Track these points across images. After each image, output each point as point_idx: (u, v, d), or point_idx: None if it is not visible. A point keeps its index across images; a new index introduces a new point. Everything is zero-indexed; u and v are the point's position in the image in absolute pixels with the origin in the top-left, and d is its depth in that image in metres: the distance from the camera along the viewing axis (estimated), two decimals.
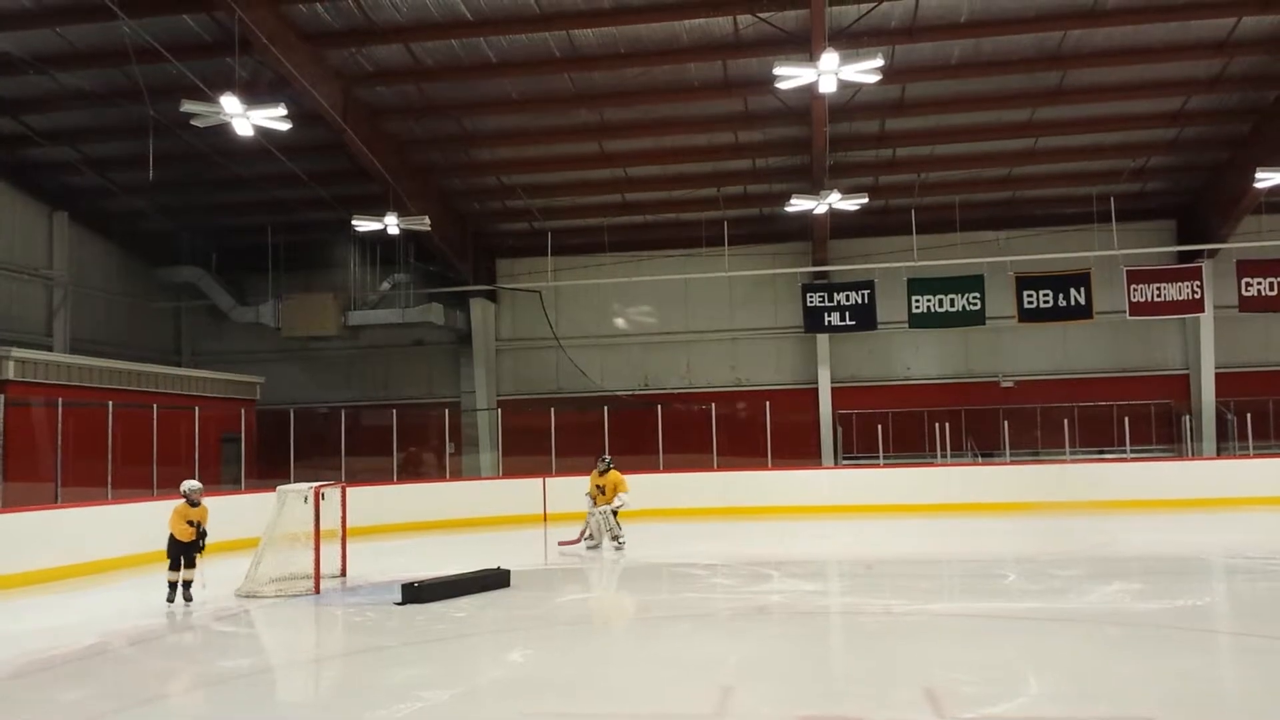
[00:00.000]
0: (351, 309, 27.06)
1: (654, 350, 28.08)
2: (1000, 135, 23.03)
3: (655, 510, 21.63)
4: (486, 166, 24.72)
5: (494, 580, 12.82)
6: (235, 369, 26.92)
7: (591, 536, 16.53)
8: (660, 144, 23.46)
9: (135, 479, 17.94)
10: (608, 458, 17.21)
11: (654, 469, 22.97)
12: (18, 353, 19.71)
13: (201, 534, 12.31)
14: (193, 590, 12.26)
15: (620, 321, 27.99)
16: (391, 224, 21.85)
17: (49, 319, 25.18)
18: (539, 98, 21.51)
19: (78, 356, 22.55)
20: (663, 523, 20.96)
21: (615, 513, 16.58)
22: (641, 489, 22.25)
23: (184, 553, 12.24)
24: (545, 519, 21.83)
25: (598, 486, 16.75)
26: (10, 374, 19.17)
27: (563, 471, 22.74)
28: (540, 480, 22.28)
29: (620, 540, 16.50)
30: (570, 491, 21.97)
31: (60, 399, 17.39)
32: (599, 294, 27.68)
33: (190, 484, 12.63)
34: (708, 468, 22.99)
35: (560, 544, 16.89)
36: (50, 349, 23.99)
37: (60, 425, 16.72)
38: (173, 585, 12.18)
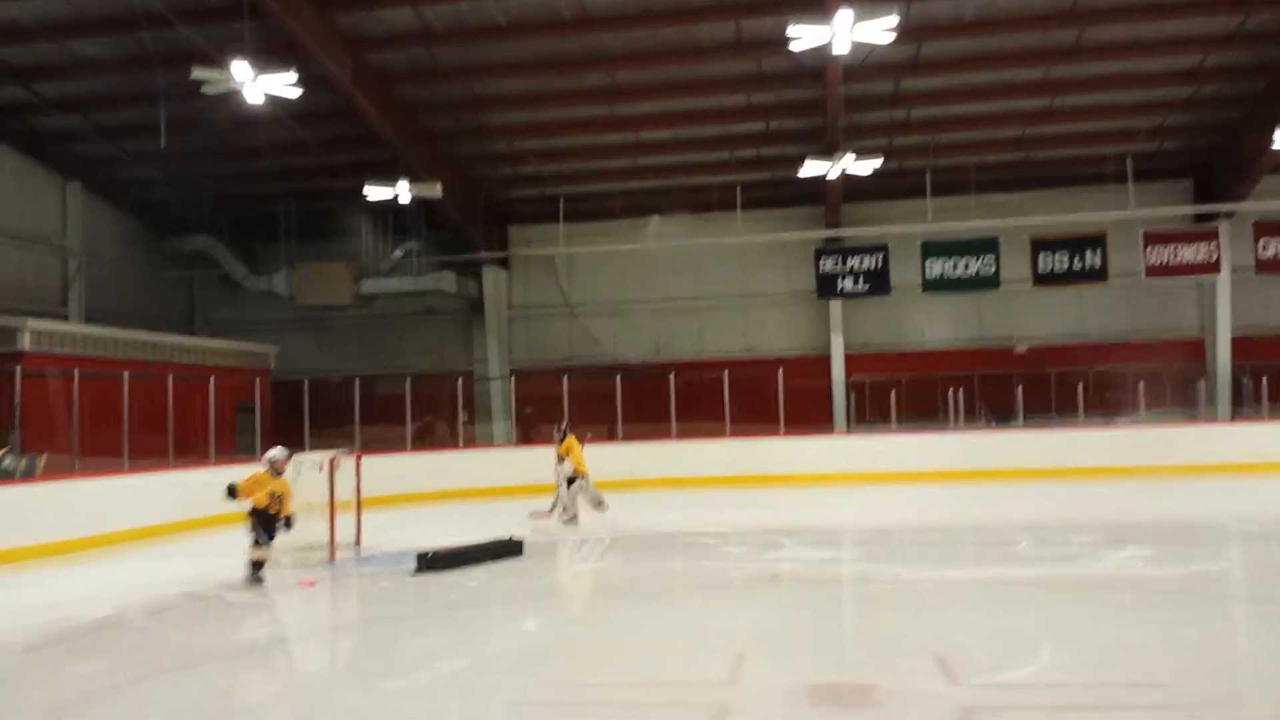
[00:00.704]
0: (364, 278, 27.05)
1: (666, 317, 28.00)
2: (1015, 95, 22.76)
3: (667, 479, 21.67)
4: (497, 132, 24.58)
5: (507, 550, 12.87)
6: (249, 338, 27.00)
7: (565, 509, 16.32)
8: (672, 107, 23.27)
9: (151, 449, 18.03)
10: (564, 425, 16.94)
11: (666, 436, 22.97)
12: (33, 324, 19.80)
13: (282, 516, 11.56)
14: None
15: (632, 289, 27.91)
16: (403, 191, 21.79)
17: (63, 289, 25.27)
18: (550, 61, 21.33)
19: (92, 327, 22.65)
20: (674, 491, 20.99)
21: (570, 481, 16.27)
22: (654, 457, 22.37)
23: (267, 527, 11.51)
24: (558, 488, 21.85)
25: (559, 456, 16.43)
26: (26, 345, 19.28)
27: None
28: (553, 448, 22.26)
29: (605, 505, 16.43)
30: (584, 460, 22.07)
31: (76, 369, 17.45)
32: (611, 260, 27.57)
33: (277, 452, 12.05)
34: (719, 435, 22.96)
35: (533, 515, 16.56)
36: (65, 319, 24.09)
37: (76, 396, 16.79)
38: (256, 564, 11.43)
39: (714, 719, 6.22)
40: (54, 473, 15.66)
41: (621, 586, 11.15)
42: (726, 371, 23.60)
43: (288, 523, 11.63)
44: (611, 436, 23.47)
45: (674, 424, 23.09)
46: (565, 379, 23.24)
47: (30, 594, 11.44)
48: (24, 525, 13.88)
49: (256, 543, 11.48)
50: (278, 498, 11.67)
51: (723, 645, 8.10)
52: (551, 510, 16.38)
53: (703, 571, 12.01)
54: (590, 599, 10.56)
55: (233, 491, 11.50)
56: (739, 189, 25.53)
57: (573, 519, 16.18)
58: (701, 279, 27.71)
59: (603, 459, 22.07)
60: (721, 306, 27.84)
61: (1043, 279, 24.26)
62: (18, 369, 16.88)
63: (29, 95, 22.41)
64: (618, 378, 23.62)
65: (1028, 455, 21.68)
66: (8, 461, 15.68)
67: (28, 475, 15.46)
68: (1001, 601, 9.75)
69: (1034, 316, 26.68)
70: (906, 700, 6.42)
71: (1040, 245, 24.16)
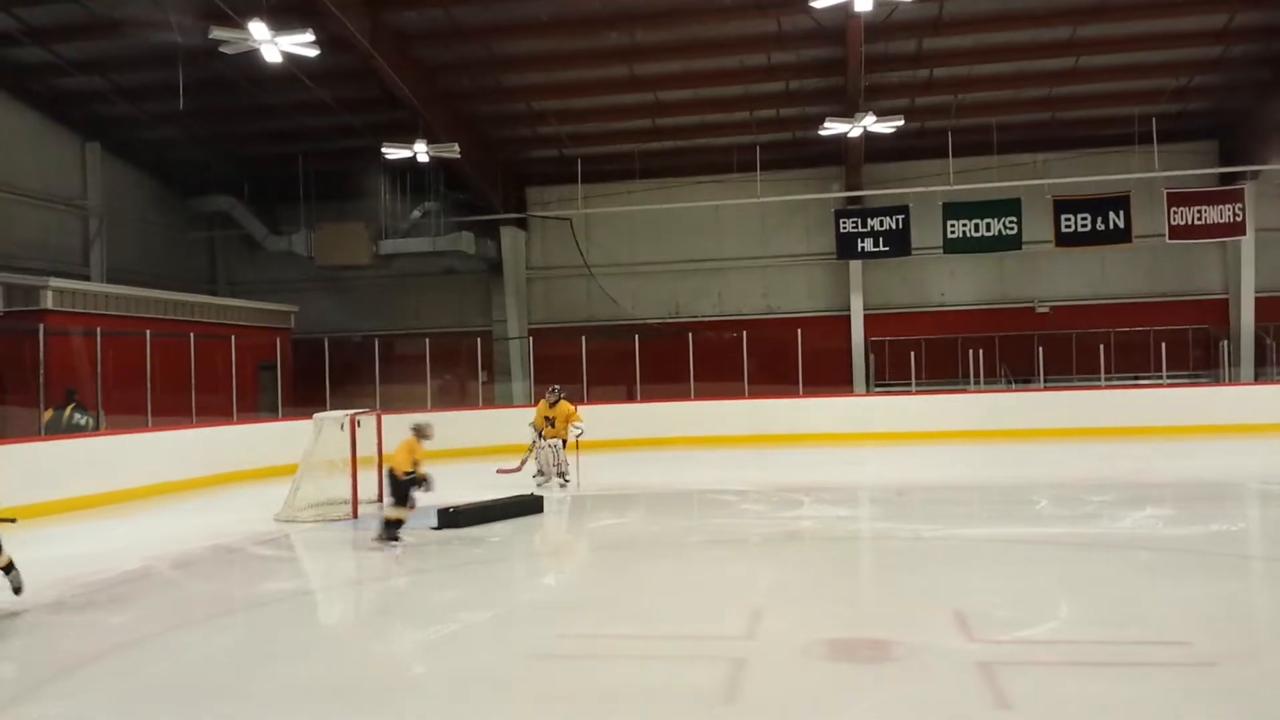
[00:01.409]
0: (383, 238, 27.08)
1: (685, 278, 27.96)
2: (1040, 54, 22.46)
3: (686, 438, 21.76)
4: (516, 92, 24.46)
5: (528, 506, 12.99)
6: (269, 298, 27.12)
7: (541, 472, 15.71)
8: (691, 67, 23.07)
9: (174, 407, 18.21)
10: (558, 388, 16.27)
11: (685, 397, 23.02)
12: (55, 283, 19.92)
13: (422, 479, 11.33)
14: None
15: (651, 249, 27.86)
16: (421, 152, 21.76)
17: (85, 249, 25.42)
18: (568, 20, 21.17)
19: (114, 286, 22.78)
20: (694, 450, 21.07)
21: (564, 445, 15.80)
22: (673, 416, 22.43)
23: (407, 489, 11.26)
24: (578, 446, 21.95)
25: (546, 418, 15.79)
26: (49, 304, 19.40)
27: (594, 400, 22.83)
28: (573, 408, 22.35)
29: (566, 477, 15.75)
30: (602, 420, 22.13)
31: (99, 328, 17.59)
32: (630, 221, 27.51)
33: (423, 419, 12.00)
34: (739, 395, 23.00)
35: (499, 470, 16.12)
36: (87, 279, 24.24)
37: (99, 354, 16.93)
38: (395, 523, 11.19)
39: (732, 673, 6.28)
40: (80, 430, 15.85)
41: (641, 542, 11.24)
42: (746, 332, 23.63)
43: (427, 485, 11.34)
44: (631, 397, 23.56)
45: (693, 384, 23.13)
46: (584, 339, 23.28)
47: (59, 548, 11.61)
48: (53, 481, 14.08)
49: (398, 504, 11.22)
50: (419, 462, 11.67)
51: (741, 601, 8.17)
52: (521, 466, 16.28)
53: (722, 528, 12.08)
54: (610, 554, 10.64)
55: (413, 479, 11.25)
56: (759, 149, 25.37)
57: (548, 481, 15.65)
58: (721, 240, 27.64)
59: (622, 418, 22.29)
60: (741, 267, 27.78)
61: (1065, 240, 24.11)
62: (41, 327, 17.02)
63: (49, 56, 22.42)
64: (636, 338, 23.64)
65: (1048, 415, 21.67)
66: (78, 416, 16.16)
67: (95, 429, 16.11)
68: (1020, 559, 9.78)
69: (1056, 277, 26.51)
70: (924, 655, 6.46)
71: (1063, 206, 23.98)
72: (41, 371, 15.87)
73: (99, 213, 25.59)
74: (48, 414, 15.64)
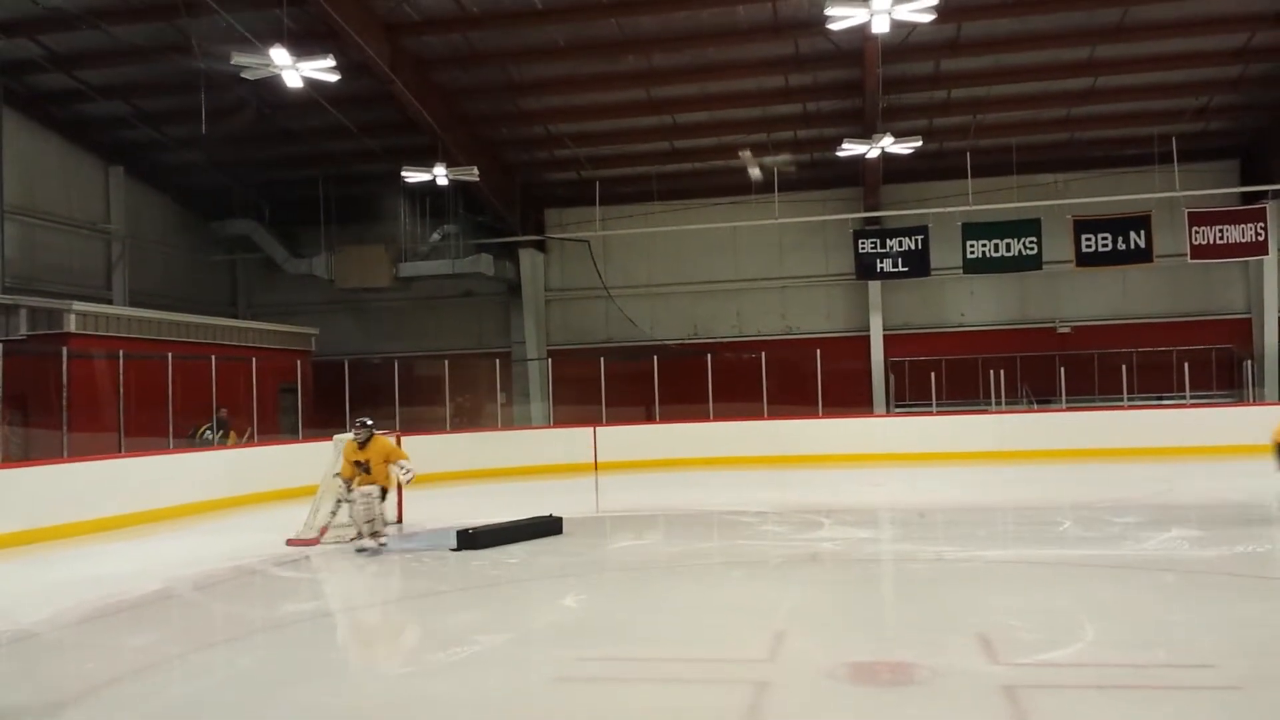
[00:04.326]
0: (402, 260, 27.25)
1: (703, 299, 27.98)
2: (1059, 75, 22.46)
3: (705, 459, 21.71)
4: (534, 116, 24.61)
5: (547, 527, 12.96)
6: (290, 321, 27.28)
7: (359, 534, 12.25)
8: (708, 89, 23.18)
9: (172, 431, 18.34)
10: (368, 422, 12.43)
11: (704, 418, 23.00)
12: (79, 306, 20.12)
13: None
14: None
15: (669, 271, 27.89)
16: (440, 175, 21.92)
17: (108, 272, 25.67)
18: (586, 44, 21.33)
19: (137, 309, 22.97)
20: (713, 471, 21.02)
21: (385, 496, 12.32)
22: (691, 438, 22.40)
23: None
24: (596, 467, 22.00)
25: (357, 463, 12.13)
26: (72, 327, 19.58)
27: (613, 421, 22.86)
28: (590, 429, 22.43)
29: (382, 540, 12.18)
30: (621, 441, 22.18)
31: (121, 351, 17.74)
32: (648, 243, 27.57)
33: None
34: (758, 416, 22.96)
35: (289, 542, 12.57)
36: (110, 302, 24.46)
37: (122, 376, 17.07)
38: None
39: (754, 696, 6.23)
40: (100, 452, 15.96)
41: (661, 564, 11.19)
42: (764, 353, 23.59)
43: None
44: (649, 418, 23.55)
45: (712, 405, 23.11)
46: (602, 361, 23.31)
47: (81, 569, 11.66)
48: (77, 503, 14.16)
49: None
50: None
51: (763, 623, 8.12)
52: (322, 535, 12.58)
53: (742, 550, 12.02)
54: (630, 576, 10.59)
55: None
56: (776, 171, 25.42)
57: (363, 537, 12.20)
58: (739, 261, 27.66)
59: (641, 440, 22.29)
60: (759, 288, 27.78)
61: (1086, 260, 24.02)
62: (64, 350, 17.18)
63: (73, 82, 22.72)
64: (655, 359, 23.65)
65: (1070, 436, 21.52)
66: (208, 434, 17.72)
67: (221, 444, 18.41)
68: (1044, 581, 9.68)
69: (1077, 297, 26.39)
70: (948, 679, 6.39)
71: (1083, 226, 23.91)
72: (65, 394, 16.00)
73: (122, 236, 25.84)
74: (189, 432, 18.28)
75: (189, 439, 18.46)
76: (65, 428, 15.88)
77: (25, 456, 16.92)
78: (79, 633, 8.62)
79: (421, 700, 6.34)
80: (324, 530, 12.36)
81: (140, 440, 16.93)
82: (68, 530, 13.76)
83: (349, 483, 12.15)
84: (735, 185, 26.51)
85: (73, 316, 19.69)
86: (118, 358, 17.43)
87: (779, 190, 25.19)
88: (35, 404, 17.38)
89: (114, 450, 16.34)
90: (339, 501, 12.27)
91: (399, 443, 14.75)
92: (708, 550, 12.12)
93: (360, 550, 12.04)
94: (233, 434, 19.29)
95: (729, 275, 27.80)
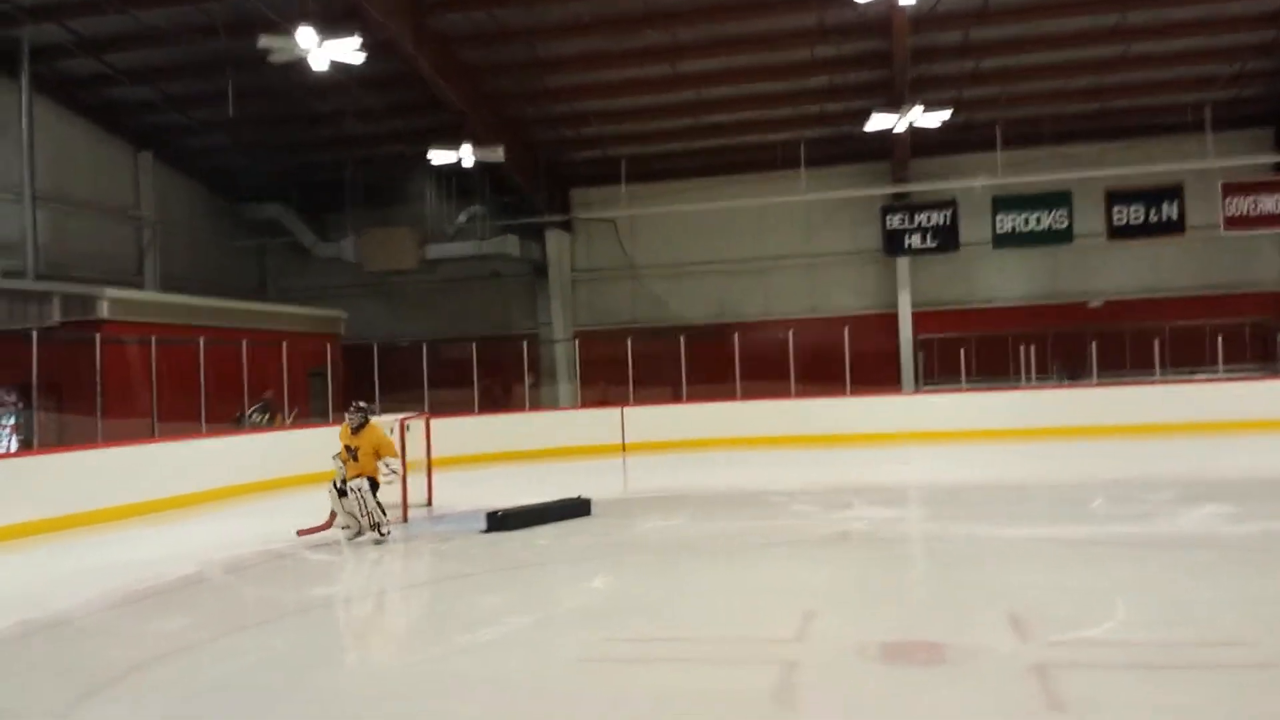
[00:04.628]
0: (429, 243, 27.29)
1: (730, 277, 27.84)
2: (1089, 43, 22.08)
3: (733, 439, 21.66)
4: (559, 93, 24.53)
5: (575, 509, 12.99)
6: (319, 304, 27.42)
7: (345, 525, 11.80)
8: (734, 63, 22.98)
9: (227, 413, 18.51)
10: (363, 406, 11.89)
11: (732, 397, 22.94)
12: (111, 292, 20.31)
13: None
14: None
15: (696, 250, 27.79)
16: (466, 155, 21.90)
17: (139, 258, 25.88)
18: (610, 20, 21.19)
19: (168, 294, 23.17)
20: (741, 451, 20.98)
21: (375, 487, 11.62)
22: (719, 418, 22.34)
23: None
24: (624, 448, 22.01)
25: (348, 448, 11.64)
26: (105, 313, 19.76)
27: (640, 401, 22.85)
28: (618, 410, 22.44)
29: (384, 530, 11.68)
30: (649, 422, 22.16)
31: (153, 336, 17.91)
32: (674, 221, 27.45)
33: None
34: (785, 395, 22.86)
35: (300, 532, 12.03)
36: (141, 288, 24.67)
37: (154, 362, 17.24)
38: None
39: (784, 676, 6.21)
40: (134, 437, 16.13)
41: (690, 544, 11.19)
42: (792, 331, 23.47)
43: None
44: (677, 398, 23.52)
45: (739, 384, 23.03)
46: (629, 341, 23.28)
47: (113, 554, 11.82)
48: (111, 488, 14.34)
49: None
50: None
51: (793, 602, 8.09)
52: (331, 521, 12.00)
53: (771, 530, 11.99)
54: (658, 556, 10.59)
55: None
56: (803, 145, 25.23)
57: (358, 534, 11.77)
58: (766, 238, 27.48)
59: (668, 420, 22.27)
60: (786, 266, 27.61)
61: (1118, 232, 23.69)
62: (98, 336, 17.36)
63: (101, 67, 22.85)
64: (682, 339, 23.59)
65: (1102, 412, 21.30)
66: (256, 416, 18.33)
67: (268, 425, 18.96)
68: (1076, 559, 9.59)
69: (1108, 271, 26.04)
70: (979, 657, 6.36)
71: (1115, 198, 23.56)
72: (99, 380, 16.19)
73: (151, 222, 26.04)
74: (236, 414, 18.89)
75: (235, 422, 18.81)
76: (99, 413, 16.05)
77: (60, 442, 17.13)
78: (112, 617, 8.74)
79: (449, 681, 6.38)
80: (333, 516, 11.93)
81: (173, 425, 17.10)
82: (101, 515, 13.93)
83: (343, 465, 11.69)
84: (762, 161, 26.31)
85: (105, 303, 19.87)
86: (150, 343, 17.59)
87: (806, 165, 24.99)
88: (69, 390, 17.57)
89: (147, 435, 16.51)
90: (338, 489, 11.77)
91: (429, 427, 14.85)
92: (736, 530, 12.10)
93: (353, 540, 11.63)
94: (277, 416, 19.52)
95: (756, 253, 27.63)
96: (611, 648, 7.05)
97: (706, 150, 26.68)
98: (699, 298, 27.88)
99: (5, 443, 18.56)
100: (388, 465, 11.61)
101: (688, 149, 26.56)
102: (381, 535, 11.65)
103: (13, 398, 18.37)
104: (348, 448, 11.63)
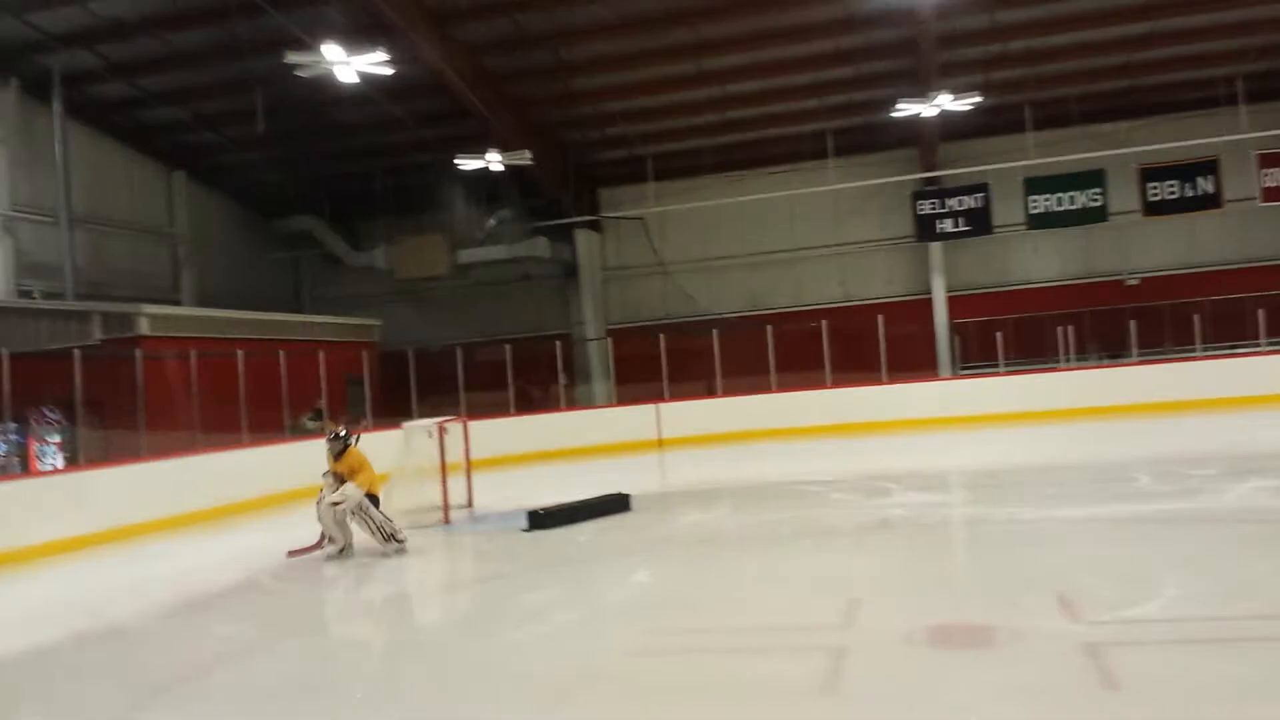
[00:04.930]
0: (460, 248, 27.48)
1: (761, 270, 27.79)
2: (1117, 20, 21.81)
3: (770, 430, 21.61)
4: (584, 95, 24.59)
5: (615, 505, 13.02)
6: (353, 313, 27.67)
7: (333, 540, 11.29)
8: (759, 58, 22.92)
9: (267, 423, 18.72)
10: (341, 432, 11.62)
11: (767, 389, 22.88)
12: (149, 308, 20.59)
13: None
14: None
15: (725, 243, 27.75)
16: (493, 161, 22.03)
17: (175, 274, 26.23)
18: (633, 20, 21.21)
19: (205, 309, 23.47)
20: (778, 442, 20.92)
21: (376, 502, 11.24)
22: (755, 409, 22.29)
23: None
24: (660, 444, 22.03)
25: (335, 474, 11.29)
26: (144, 329, 20.04)
27: (675, 397, 22.86)
28: (654, 406, 22.45)
29: (400, 538, 11.24)
30: (684, 416, 22.16)
31: (192, 351, 18.14)
32: (702, 217, 27.42)
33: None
34: (821, 385, 22.78)
35: (290, 553, 11.45)
36: (178, 303, 25.01)
37: (195, 375, 17.47)
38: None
39: (832, 662, 6.22)
40: (177, 450, 16.36)
41: (730, 536, 11.21)
42: (825, 321, 23.37)
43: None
44: (711, 392, 23.52)
45: (774, 376, 22.98)
46: (662, 337, 23.29)
47: (163, 564, 12.00)
48: (154, 500, 14.55)
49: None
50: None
51: (837, 590, 8.09)
52: (320, 543, 11.43)
53: (811, 519, 11.97)
54: (700, 549, 10.62)
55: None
56: (830, 136, 25.12)
57: (344, 550, 11.30)
58: (796, 229, 27.40)
59: (704, 414, 22.26)
60: (817, 256, 27.51)
61: (1153, 209, 23.42)
62: (138, 352, 17.62)
63: (132, 90, 23.19)
64: (715, 333, 23.57)
65: (1143, 390, 21.02)
66: (309, 423, 18.88)
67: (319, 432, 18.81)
68: (1122, 538, 9.51)
69: (1145, 248, 25.73)
70: (1028, 639, 6.33)
71: (1149, 174, 23.29)
72: (140, 395, 16.43)
73: (186, 239, 26.39)
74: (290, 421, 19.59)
75: (290, 429, 19.20)
76: (142, 428, 16.29)
77: (105, 457, 17.39)
78: (165, 625, 8.89)
79: (500, 675, 6.43)
80: (324, 536, 11.29)
81: (215, 436, 17.32)
82: (149, 527, 14.12)
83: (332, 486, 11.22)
84: (789, 153, 26.24)
85: (144, 319, 20.15)
86: (189, 358, 17.82)
87: (833, 155, 24.88)
88: (112, 406, 17.83)
89: (190, 447, 16.74)
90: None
91: (466, 430, 14.95)
92: (776, 521, 12.09)
93: (335, 557, 11.18)
94: (329, 422, 19.71)
95: (785, 245, 27.56)
96: (659, 640, 7.08)
97: (733, 145, 26.65)
98: (730, 291, 27.84)
99: (52, 459, 18.86)
100: (345, 493, 10.96)
101: (714, 144, 26.54)
102: (400, 544, 11.19)
103: (57, 415, 18.67)
104: (336, 474, 11.24)
